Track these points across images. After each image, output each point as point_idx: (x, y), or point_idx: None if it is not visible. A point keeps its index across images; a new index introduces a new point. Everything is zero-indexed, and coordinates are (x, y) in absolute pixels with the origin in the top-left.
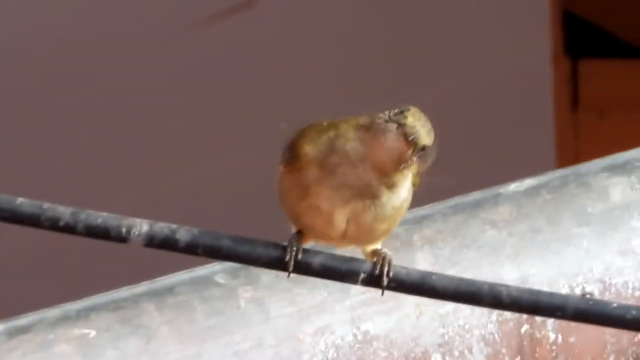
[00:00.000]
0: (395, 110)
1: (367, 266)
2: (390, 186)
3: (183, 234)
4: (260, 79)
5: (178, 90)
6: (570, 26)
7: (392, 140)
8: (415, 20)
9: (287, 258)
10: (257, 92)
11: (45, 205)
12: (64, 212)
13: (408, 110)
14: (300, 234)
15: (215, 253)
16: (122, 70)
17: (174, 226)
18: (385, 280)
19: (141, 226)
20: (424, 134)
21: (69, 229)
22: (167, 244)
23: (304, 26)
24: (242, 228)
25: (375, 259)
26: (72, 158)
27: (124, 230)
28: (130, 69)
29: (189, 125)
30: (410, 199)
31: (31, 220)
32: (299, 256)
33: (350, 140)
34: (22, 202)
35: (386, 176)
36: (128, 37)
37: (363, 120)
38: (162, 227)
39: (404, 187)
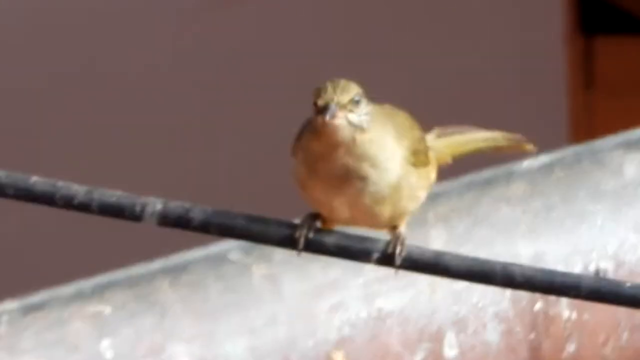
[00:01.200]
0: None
1: (381, 245)
2: (373, 165)
3: (196, 213)
4: (269, 59)
5: (190, 70)
6: (584, 3)
7: (319, 125)
8: None
9: (297, 236)
10: (268, 71)
11: (60, 183)
12: (78, 190)
13: (321, 88)
14: (316, 215)
15: (228, 232)
16: (128, 52)
17: (187, 205)
18: (398, 260)
19: (155, 205)
20: (337, 93)
21: (83, 207)
22: (180, 222)
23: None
24: (258, 209)
25: (390, 238)
26: (83, 140)
27: (137, 208)
28: (136, 50)
29: (200, 108)
30: (412, 176)
31: (45, 199)
32: (310, 235)
33: (308, 140)
34: (36, 181)
35: (352, 154)
36: (138, 17)
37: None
38: (176, 206)
39: (391, 162)
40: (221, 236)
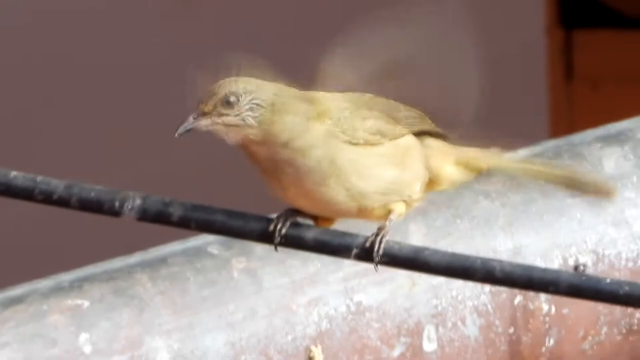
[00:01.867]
0: None
1: (360, 240)
2: (285, 146)
3: (176, 208)
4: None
5: (168, 66)
6: None
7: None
8: None
9: (271, 229)
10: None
11: (39, 178)
12: (58, 185)
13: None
14: (296, 210)
15: (208, 227)
16: (113, 44)
17: (167, 200)
18: (376, 257)
19: (134, 199)
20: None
21: (63, 202)
22: (160, 217)
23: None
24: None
25: (371, 234)
26: (62, 134)
27: (117, 203)
28: (122, 43)
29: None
30: (351, 153)
31: (25, 194)
32: (284, 230)
33: None
34: (16, 176)
35: (263, 146)
36: (120, 11)
37: None
38: (156, 201)
39: (304, 140)
40: (201, 231)
